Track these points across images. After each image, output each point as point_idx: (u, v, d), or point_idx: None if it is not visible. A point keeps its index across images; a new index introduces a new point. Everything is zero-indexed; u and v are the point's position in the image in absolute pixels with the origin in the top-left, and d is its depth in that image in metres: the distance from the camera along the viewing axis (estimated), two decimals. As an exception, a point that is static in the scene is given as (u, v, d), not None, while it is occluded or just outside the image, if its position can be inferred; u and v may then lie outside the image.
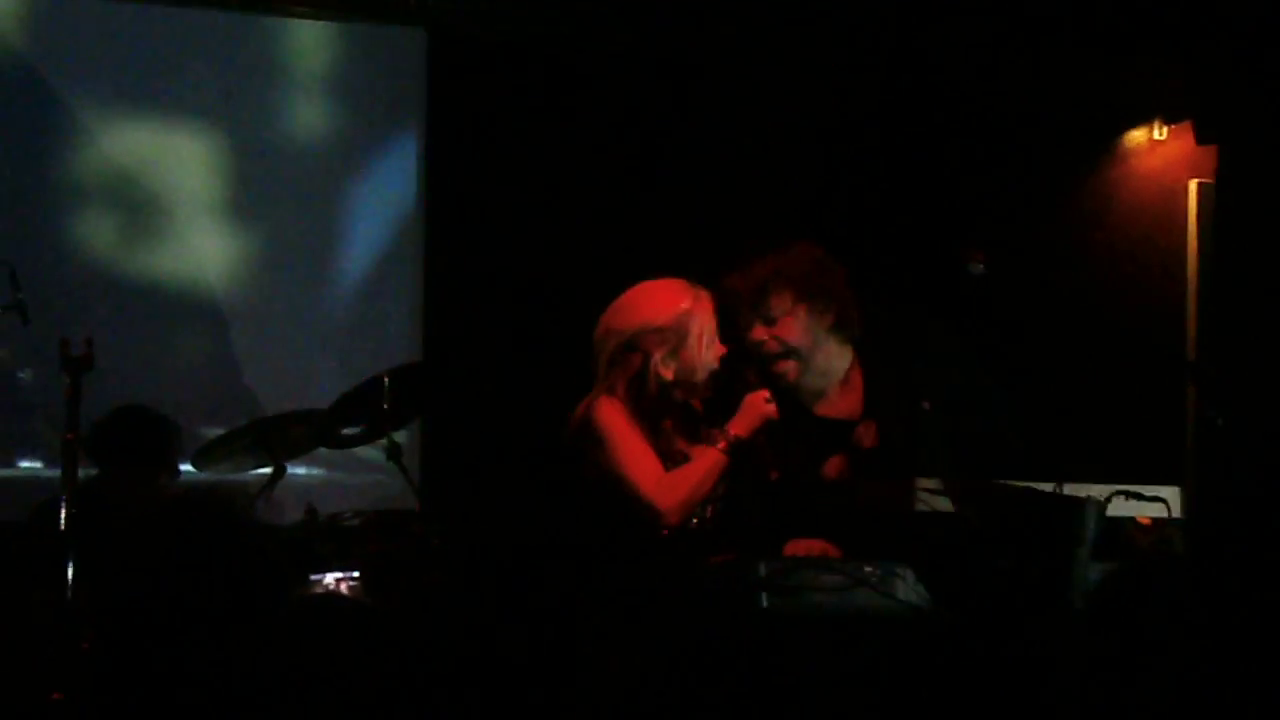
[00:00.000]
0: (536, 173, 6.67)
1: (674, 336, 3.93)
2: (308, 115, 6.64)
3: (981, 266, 4.27)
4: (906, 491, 3.81)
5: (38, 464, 6.20)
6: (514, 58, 6.70)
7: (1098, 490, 3.72)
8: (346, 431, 5.37)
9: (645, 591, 3.77)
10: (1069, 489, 3.73)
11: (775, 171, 6.69)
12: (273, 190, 6.58)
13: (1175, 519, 3.85)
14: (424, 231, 6.71)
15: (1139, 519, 3.81)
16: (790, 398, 4.07)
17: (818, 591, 3.53)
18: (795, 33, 6.72)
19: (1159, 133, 5.82)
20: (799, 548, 3.87)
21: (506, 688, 4.44)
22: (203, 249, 6.50)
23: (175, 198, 6.47)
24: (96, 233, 6.41)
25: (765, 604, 3.50)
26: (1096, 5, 5.74)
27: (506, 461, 6.39)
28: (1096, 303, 5.90)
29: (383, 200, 6.70)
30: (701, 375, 3.97)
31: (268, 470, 5.33)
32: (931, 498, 3.69)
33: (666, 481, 3.83)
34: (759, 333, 4.06)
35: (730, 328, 4.04)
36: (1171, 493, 3.86)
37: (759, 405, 3.94)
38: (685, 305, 3.97)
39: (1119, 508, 3.77)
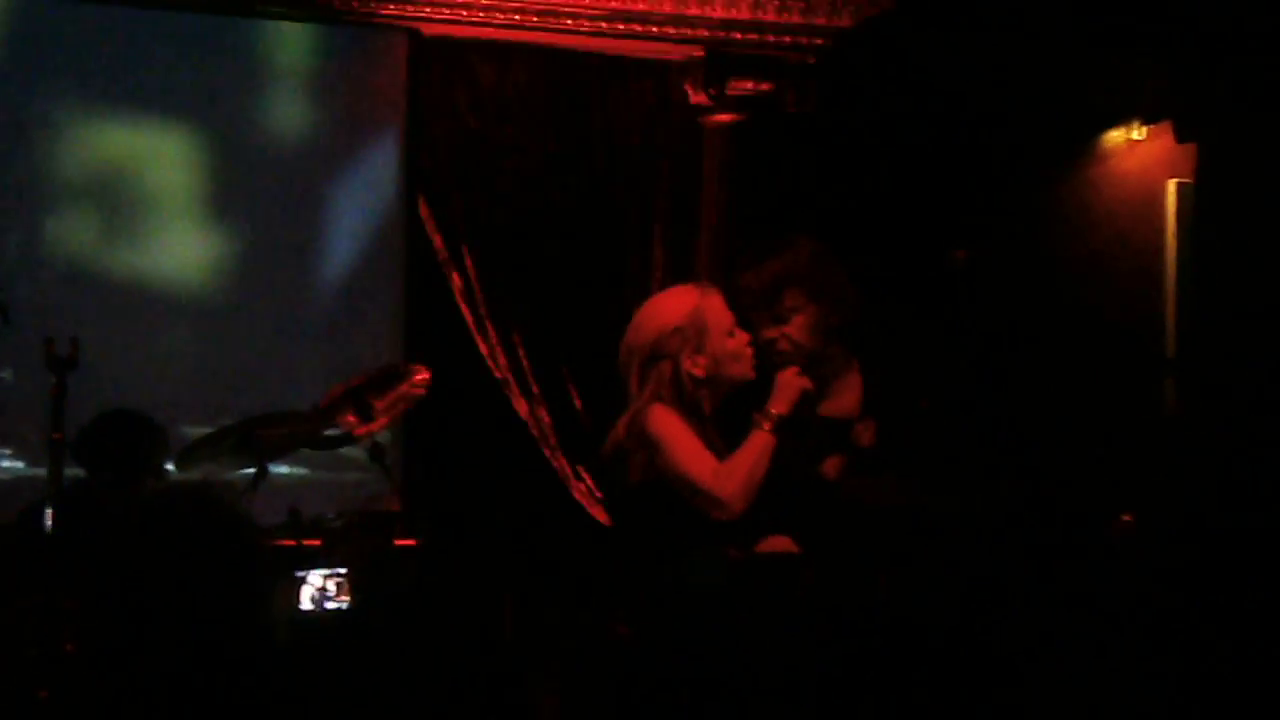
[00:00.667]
0: (517, 173, 6.68)
1: (694, 333, 3.96)
2: (290, 115, 6.64)
3: (962, 262, 4.30)
4: (889, 487, 3.85)
5: (19, 464, 6.18)
6: (495, 58, 6.71)
7: None
8: (329, 432, 5.37)
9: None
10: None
11: (756, 174, 6.72)
12: (255, 191, 6.58)
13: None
14: (405, 232, 6.71)
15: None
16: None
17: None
18: (773, 32, 6.74)
19: (1137, 133, 5.85)
20: (765, 546, 3.91)
21: (492, 686, 4.46)
22: (184, 249, 6.49)
23: (157, 198, 6.46)
24: (78, 232, 6.41)
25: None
26: (1075, 5, 5.77)
27: (487, 461, 6.40)
28: (1076, 301, 5.93)
29: (364, 200, 6.70)
30: (732, 366, 3.99)
31: (251, 471, 5.32)
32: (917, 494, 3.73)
33: (723, 471, 3.85)
34: (770, 331, 4.09)
35: (742, 326, 4.06)
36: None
37: (793, 380, 3.96)
38: (695, 301, 4.00)
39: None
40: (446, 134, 6.68)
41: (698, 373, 3.96)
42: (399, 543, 5.10)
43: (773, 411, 3.91)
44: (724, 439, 3.93)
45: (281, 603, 4.58)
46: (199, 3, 6.48)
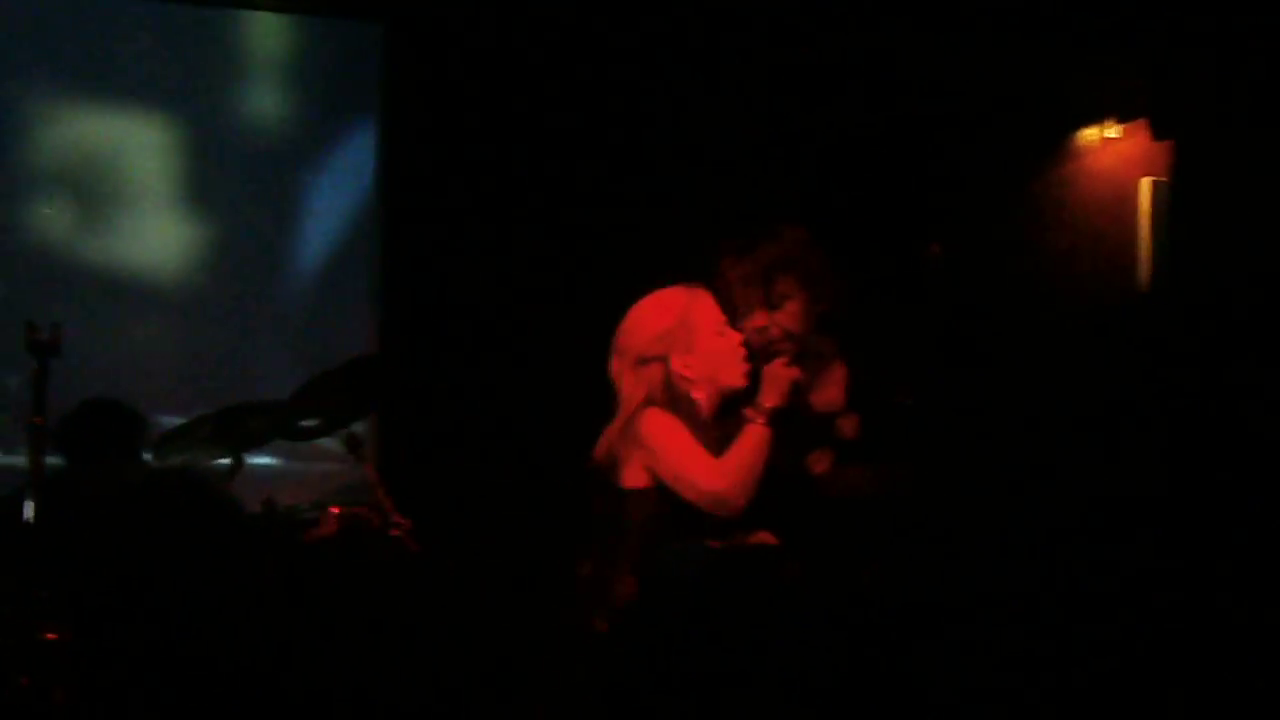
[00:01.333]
0: (493, 165, 6.68)
1: (682, 333, 3.95)
2: (265, 106, 6.62)
3: (938, 257, 4.32)
4: (867, 478, 3.87)
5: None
6: (472, 50, 6.71)
7: None
8: (305, 423, 5.36)
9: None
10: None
11: (729, 172, 6.73)
12: (230, 181, 6.56)
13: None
14: (381, 223, 6.71)
15: None
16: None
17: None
18: (743, 32, 6.75)
19: (1112, 130, 5.88)
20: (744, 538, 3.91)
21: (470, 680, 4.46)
22: (159, 239, 6.47)
23: (131, 188, 6.44)
24: (52, 222, 6.37)
25: None
26: (1052, 2, 5.79)
27: (464, 452, 6.40)
28: (1050, 297, 5.96)
29: (339, 191, 6.70)
30: (724, 370, 3.98)
31: (226, 461, 5.31)
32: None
33: (721, 469, 3.84)
34: (760, 318, 4.08)
35: (730, 315, 4.05)
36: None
37: (781, 371, 3.96)
38: (682, 301, 3.99)
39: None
40: (423, 125, 6.67)
41: (689, 373, 3.95)
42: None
43: (765, 405, 3.91)
44: (722, 445, 3.93)
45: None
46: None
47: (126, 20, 6.44)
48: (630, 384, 3.96)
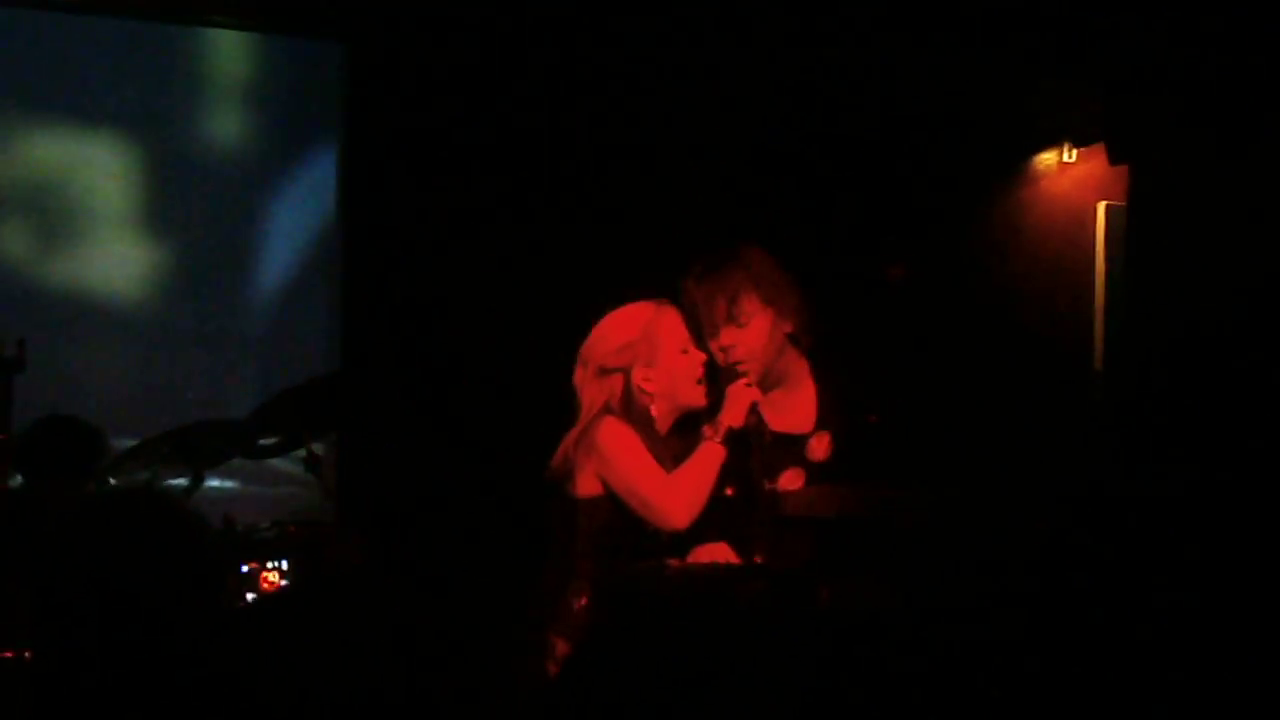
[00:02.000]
0: (455, 183, 6.68)
1: (645, 347, 3.98)
2: (227, 125, 6.62)
3: (900, 278, 4.35)
4: (838, 497, 3.89)
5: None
6: (434, 69, 6.71)
7: None
8: (264, 442, 5.35)
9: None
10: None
11: (691, 188, 6.75)
12: (190, 201, 6.55)
13: None
14: (343, 243, 6.70)
15: None
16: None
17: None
18: (702, 48, 6.78)
19: (1068, 155, 5.93)
20: (702, 554, 3.93)
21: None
22: (120, 259, 6.45)
23: (92, 208, 6.42)
24: (11, 242, 6.34)
25: None
26: (1007, 26, 5.84)
27: (424, 473, 6.39)
28: (1007, 320, 6.00)
29: (301, 212, 6.70)
30: (684, 388, 4.00)
31: (184, 481, 5.29)
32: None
33: (669, 484, 3.87)
34: (725, 338, 4.08)
35: (695, 334, 4.07)
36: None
37: (742, 390, 3.98)
38: (648, 315, 4.02)
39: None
40: (385, 146, 6.68)
41: (649, 387, 3.98)
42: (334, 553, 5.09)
43: (723, 423, 3.94)
44: (678, 461, 3.94)
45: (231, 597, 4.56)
46: (134, 8, 6.45)
47: (87, 40, 6.43)
48: (591, 393, 3.99)
